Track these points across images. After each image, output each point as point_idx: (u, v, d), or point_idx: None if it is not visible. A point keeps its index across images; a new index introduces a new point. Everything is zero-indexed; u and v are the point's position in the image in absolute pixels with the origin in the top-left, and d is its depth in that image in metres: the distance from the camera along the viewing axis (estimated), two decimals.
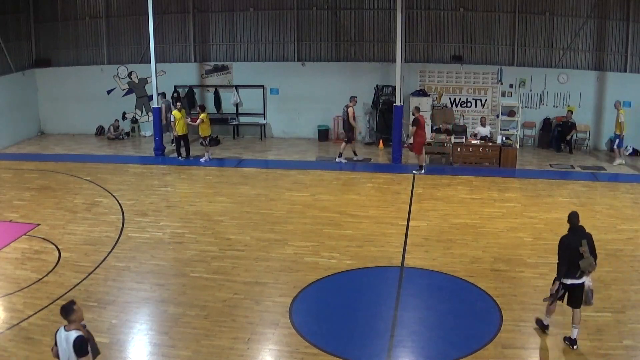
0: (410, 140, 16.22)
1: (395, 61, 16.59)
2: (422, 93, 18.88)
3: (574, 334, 7.91)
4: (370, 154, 18.32)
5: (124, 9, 20.47)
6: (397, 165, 16.80)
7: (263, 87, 20.13)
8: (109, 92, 21.01)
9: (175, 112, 17.27)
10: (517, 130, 17.99)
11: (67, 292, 9.42)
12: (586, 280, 7.95)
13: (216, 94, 20.24)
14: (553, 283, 7.98)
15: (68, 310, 5.87)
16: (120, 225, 12.38)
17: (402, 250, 11.00)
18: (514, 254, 10.78)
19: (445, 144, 17.10)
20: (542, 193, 14.36)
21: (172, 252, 11.08)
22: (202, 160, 17.34)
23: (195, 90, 20.36)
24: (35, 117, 21.30)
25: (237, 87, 20.21)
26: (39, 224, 12.42)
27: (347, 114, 17.02)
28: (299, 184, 15.22)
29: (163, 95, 19.04)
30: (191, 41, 20.38)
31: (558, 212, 12.94)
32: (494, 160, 16.56)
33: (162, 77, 19.10)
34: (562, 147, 18.12)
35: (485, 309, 8.88)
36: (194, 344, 8.01)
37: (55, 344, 5.97)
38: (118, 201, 13.88)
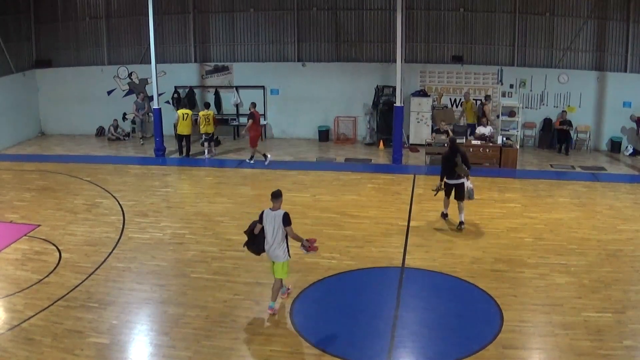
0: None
1: (395, 61, 16.59)
2: (422, 93, 18.89)
3: (461, 217, 11.92)
4: (371, 154, 18.33)
5: (124, 9, 20.47)
6: (398, 166, 16.80)
7: (263, 87, 20.13)
8: (109, 92, 21.02)
9: (179, 112, 17.58)
10: (517, 131, 17.99)
11: (68, 292, 9.42)
12: (465, 181, 11.83)
13: (216, 94, 20.25)
14: (441, 180, 11.98)
15: (278, 195, 8.40)
16: (121, 226, 12.38)
17: (402, 250, 11.00)
18: (514, 255, 10.78)
19: (446, 144, 17.06)
20: (542, 193, 14.36)
21: (173, 253, 11.08)
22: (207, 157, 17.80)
23: (195, 90, 20.36)
24: (35, 117, 21.31)
25: (237, 87, 20.21)
26: (39, 225, 12.42)
27: (483, 111, 17.27)
28: (299, 184, 15.22)
29: (140, 94, 19.81)
30: (191, 42, 20.38)
31: (558, 213, 12.96)
32: (495, 161, 16.55)
33: (163, 77, 19.13)
34: (561, 148, 18.12)
35: (486, 310, 8.88)
36: (194, 345, 8.01)
37: (260, 221, 8.44)
38: (118, 202, 13.88)
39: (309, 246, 8.54)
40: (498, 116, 17.95)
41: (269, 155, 17.02)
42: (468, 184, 11.93)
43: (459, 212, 11.95)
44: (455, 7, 18.73)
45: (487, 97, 17.96)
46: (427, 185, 14.98)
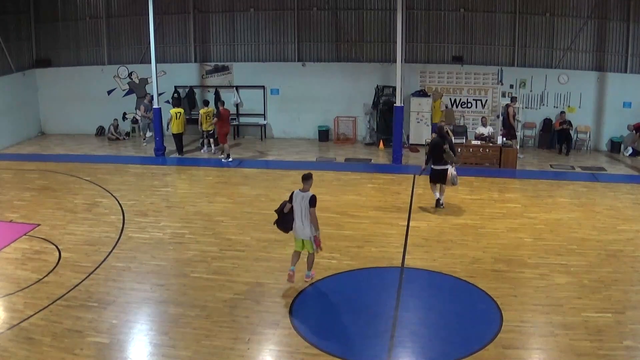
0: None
1: (395, 62, 16.59)
2: (422, 93, 18.89)
3: (442, 198, 13.11)
4: (371, 154, 18.33)
5: (124, 9, 20.48)
6: (398, 166, 16.80)
7: (263, 87, 20.13)
8: (109, 92, 21.02)
9: (172, 111, 17.76)
10: (517, 131, 17.97)
11: (68, 292, 9.42)
12: (450, 168, 12.72)
13: (216, 94, 20.25)
14: (426, 163, 13.19)
15: (308, 178, 9.09)
16: (121, 226, 12.38)
17: (402, 250, 11.00)
18: (514, 255, 10.77)
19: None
20: (542, 194, 14.36)
21: (173, 253, 11.08)
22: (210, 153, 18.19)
23: (195, 90, 20.36)
24: (35, 117, 21.31)
25: (237, 87, 20.21)
26: (39, 224, 12.42)
27: (507, 112, 17.18)
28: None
29: (147, 95, 19.78)
30: (191, 41, 20.39)
31: (558, 213, 12.96)
32: (494, 161, 16.56)
33: (163, 77, 19.14)
34: (562, 148, 18.12)
35: (486, 310, 8.87)
36: (194, 344, 8.01)
37: (290, 201, 9.12)
38: (118, 201, 13.88)
39: (317, 241, 9.12)
40: (498, 116, 17.94)
41: (230, 159, 17.34)
42: (452, 170, 12.84)
43: (440, 193, 13.14)
44: (455, 7, 18.74)
45: (513, 99, 17.67)
46: (427, 185, 14.94)
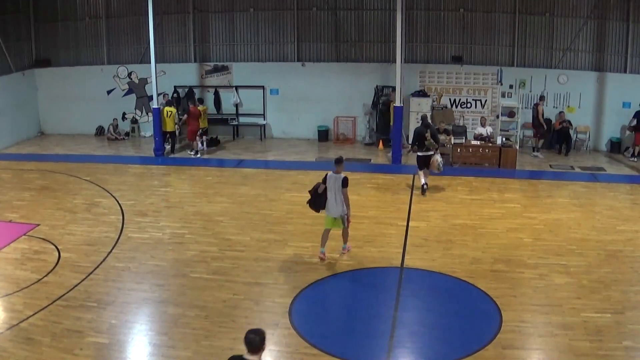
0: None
1: (395, 62, 16.59)
2: (422, 94, 18.89)
3: (426, 181, 14.04)
4: (370, 154, 18.33)
5: (124, 9, 20.46)
6: (397, 166, 16.80)
7: (263, 87, 20.12)
8: (109, 92, 21.01)
9: (166, 109, 17.95)
10: (517, 131, 18.00)
11: (67, 292, 9.42)
12: (435, 154, 13.83)
13: (216, 94, 20.25)
14: (411, 147, 14.37)
15: (340, 161, 10.08)
16: (120, 226, 12.38)
17: (401, 250, 11.00)
18: (513, 255, 10.77)
19: (445, 145, 17.09)
20: (542, 194, 14.37)
21: (172, 253, 11.08)
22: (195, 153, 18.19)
23: (195, 90, 20.35)
24: (35, 117, 21.30)
25: (237, 87, 20.21)
26: (38, 224, 12.41)
27: (537, 111, 17.32)
28: (299, 184, 15.21)
29: (165, 96, 19.47)
30: (191, 41, 20.38)
31: (558, 213, 12.96)
32: (494, 161, 16.56)
33: (162, 77, 19.12)
34: (562, 148, 18.12)
35: (485, 310, 8.87)
36: (193, 345, 8.01)
37: (324, 182, 10.09)
38: (118, 201, 13.87)
39: (348, 219, 10.23)
40: (497, 116, 17.95)
41: (198, 155, 18.00)
42: (438, 157, 13.93)
43: (424, 177, 14.15)
44: (455, 7, 18.72)
45: (542, 98, 17.72)
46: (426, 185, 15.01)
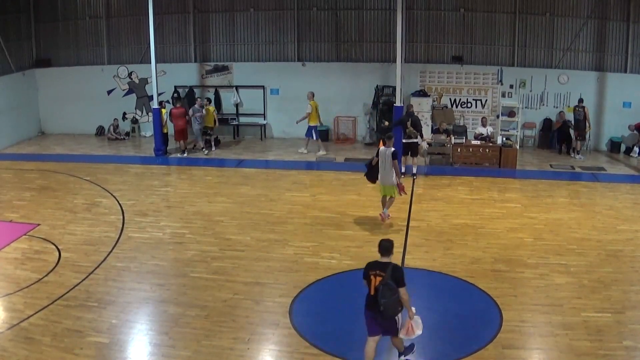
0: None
1: (395, 61, 16.58)
2: (422, 93, 18.89)
3: (415, 170, 15.39)
4: (371, 154, 18.27)
5: (124, 9, 20.47)
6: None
7: (263, 87, 20.13)
8: (109, 92, 21.02)
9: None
10: (517, 131, 18.00)
11: (67, 292, 9.42)
12: (420, 142, 15.24)
13: (216, 94, 20.25)
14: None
15: (390, 137, 11.82)
16: (121, 226, 12.38)
17: (402, 250, 10.99)
18: (514, 255, 10.78)
19: (446, 145, 17.10)
20: (542, 193, 14.36)
21: (172, 253, 11.08)
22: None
23: (195, 90, 20.36)
24: (35, 117, 21.30)
25: (237, 87, 20.21)
26: (39, 224, 12.42)
27: (585, 113, 17.37)
28: (299, 184, 15.23)
29: (198, 99, 19.33)
30: (191, 41, 20.38)
31: (558, 213, 12.96)
32: (494, 161, 16.56)
33: (162, 77, 19.11)
34: (563, 148, 18.13)
35: (485, 310, 8.88)
36: (194, 344, 8.01)
37: (377, 155, 11.81)
38: (118, 201, 13.88)
39: (402, 186, 11.82)
40: (498, 116, 17.95)
41: (185, 154, 18.09)
42: (424, 144, 15.51)
43: (413, 166, 15.34)
44: (455, 7, 18.73)
45: (581, 100, 17.60)
46: (426, 185, 15.02)
